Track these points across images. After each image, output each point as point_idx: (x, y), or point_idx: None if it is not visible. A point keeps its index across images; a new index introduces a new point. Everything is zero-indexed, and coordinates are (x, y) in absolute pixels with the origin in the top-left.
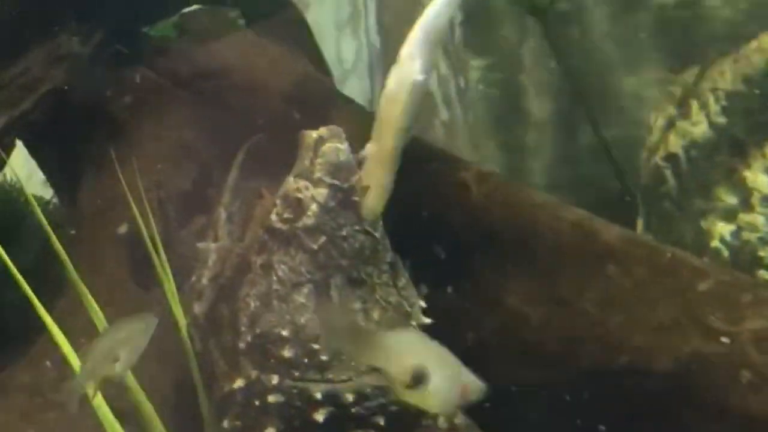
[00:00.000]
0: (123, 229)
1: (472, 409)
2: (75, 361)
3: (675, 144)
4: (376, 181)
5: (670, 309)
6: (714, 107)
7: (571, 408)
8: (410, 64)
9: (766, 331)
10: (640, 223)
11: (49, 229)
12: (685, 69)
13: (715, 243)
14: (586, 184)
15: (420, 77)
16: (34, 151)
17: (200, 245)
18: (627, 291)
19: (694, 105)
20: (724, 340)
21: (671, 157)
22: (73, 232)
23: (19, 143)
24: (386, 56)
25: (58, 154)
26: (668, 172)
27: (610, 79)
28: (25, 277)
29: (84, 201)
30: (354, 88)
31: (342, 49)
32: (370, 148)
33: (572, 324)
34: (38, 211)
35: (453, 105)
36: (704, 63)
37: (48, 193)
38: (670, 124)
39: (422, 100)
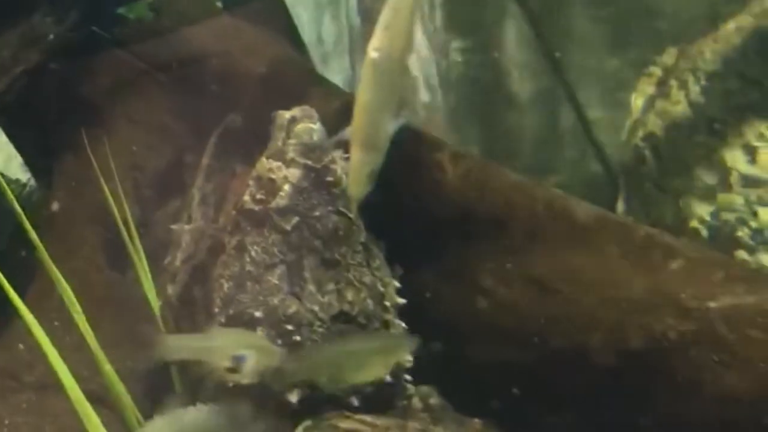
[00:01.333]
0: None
1: (447, 390)
2: (47, 344)
3: (655, 124)
4: (353, 163)
5: (642, 287)
6: (693, 88)
7: (545, 386)
8: (371, 43)
9: (736, 309)
10: (620, 204)
11: (21, 211)
12: (665, 49)
13: (694, 223)
14: (567, 165)
15: (374, 55)
16: (11, 133)
17: (174, 227)
18: (600, 270)
19: (674, 85)
20: (695, 317)
21: (651, 137)
22: (49, 214)
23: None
24: (366, 38)
25: (34, 136)
26: (648, 153)
27: (590, 59)
28: (2, 260)
29: (60, 183)
30: (334, 70)
31: (322, 30)
32: (348, 132)
33: (546, 303)
34: (9, 193)
35: (434, 87)
36: (684, 43)
37: (26, 176)
38: (650, 105)
39: (394, 80)
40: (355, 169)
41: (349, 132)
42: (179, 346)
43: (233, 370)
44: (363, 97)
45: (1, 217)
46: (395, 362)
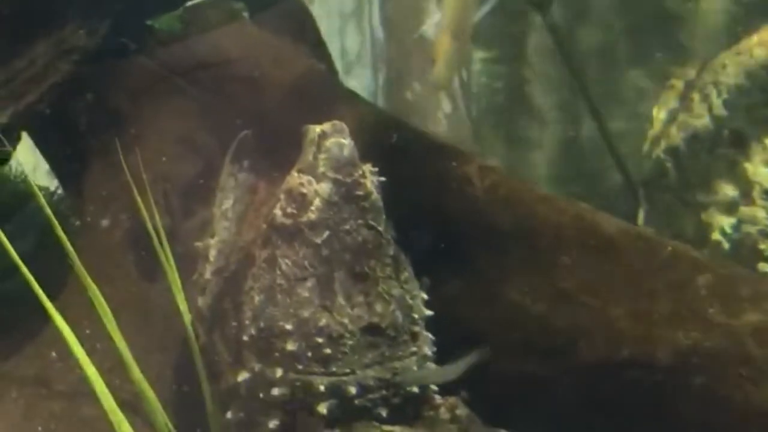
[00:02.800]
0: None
1: (473, 401)
2: (79, 351)
3: (677, 137)
4: (442, 50)
5: (669, 302)
6: (715, 100)
7: (573, 400)
8: None
9: (764, 324)
10: (641, 215)
11: (54, 220)
12: (688, 62)
13: (716, 235)
14: (588, 176)
15: None
16: (39, 142)
17: (198, 244)
18: (627, 284)
19: (696, 98)
20: (723, 332)
21: (673, 150)
22: (78, 222)
23: (24, 134)
24: (390, 48)
25: (63, 145)
26: (670, 165)
27: (612, 71)
28: (29, 267)
29: (88, 192)
30: (358, 80)
31: (347, 41)
32: (439, 20)
33: (573, 317)
34: (42, 201)
35: (456, 97)
36: (707, 56)
37: (53, 184)
38: (672, 117)
39: None
40: (444, 57)
41: (430, 25)
42: None
43: None
44: None
45: (28, 220)
46: None
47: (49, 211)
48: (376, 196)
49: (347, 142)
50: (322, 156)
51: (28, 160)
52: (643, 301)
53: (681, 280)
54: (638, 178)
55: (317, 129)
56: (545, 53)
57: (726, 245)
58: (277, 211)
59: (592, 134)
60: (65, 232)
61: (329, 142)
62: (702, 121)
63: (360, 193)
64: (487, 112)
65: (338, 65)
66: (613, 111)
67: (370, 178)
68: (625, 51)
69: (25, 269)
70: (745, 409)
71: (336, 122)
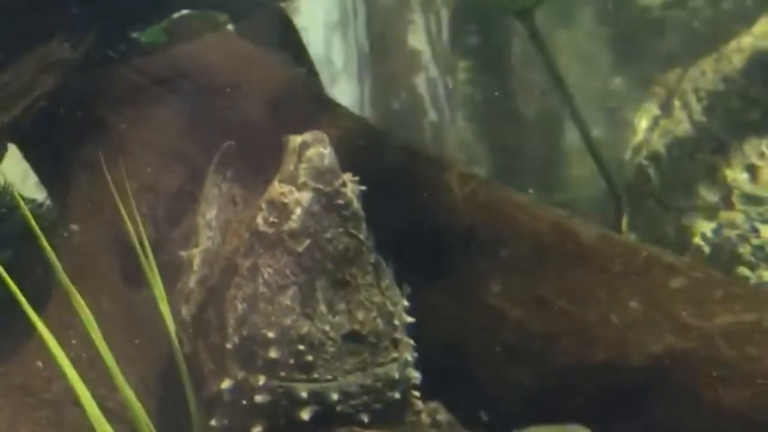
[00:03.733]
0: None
1: (454, 406)
2: (64, 361)
3: (658, 143)
4: None
5: (644, 306)
6: (696, 107)
7: (549, 404)
8: None
9: (735, 326)
10: (625, 221)
11: (36, 229)
12: (669, 69)
13: (697, 240)
14: (573, 184)
15: None
16: (26, 153)
17: (183, 254)
18: (603, 289)
19: (677, 104)
20: (695, 335)
21: (654, 156)
22: (65, 233)
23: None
24: (375, 58)
25: (49, 156)
26: (652, 171)
27: (595, 79)
28: (13, 276)
29: (75, 202)
30: (343, 91)
31: (332, 51)
32: None
33: (551, 321)
34: (25, 210)
35: (441, 106)
36: (687, 63)
37: (42, 195)
38: (654, 124)
39: None
40: None
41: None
42: None
43: None
44: None
45: (7, 229)
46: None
47: (32, 220)
48: (356, 204)
49: (327, 151)
50: (302, 166)
51: (17, 171)
52: (618, 305)
53: (655, 284)
54: (622, 184)
55: (298, 139)
56: (528, 61)
57: (707, 249)
58: (259, 220)
59: (576, 141)
60: (51, 243)
61: (310, 152)
62: (683, 127)
63: (340, 201)
64: (472, 121)
65: (324, 76)
66: (596, 118)
67: (350, 187)
68: (608, 58)
69: (8, 278)
70: (717, 410)
71: (316, 132)
